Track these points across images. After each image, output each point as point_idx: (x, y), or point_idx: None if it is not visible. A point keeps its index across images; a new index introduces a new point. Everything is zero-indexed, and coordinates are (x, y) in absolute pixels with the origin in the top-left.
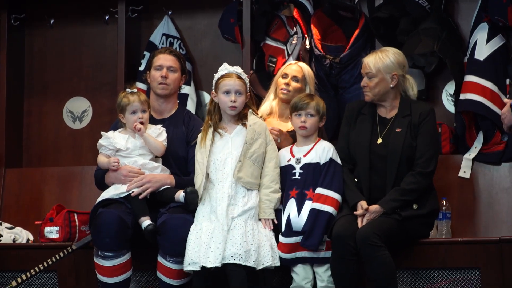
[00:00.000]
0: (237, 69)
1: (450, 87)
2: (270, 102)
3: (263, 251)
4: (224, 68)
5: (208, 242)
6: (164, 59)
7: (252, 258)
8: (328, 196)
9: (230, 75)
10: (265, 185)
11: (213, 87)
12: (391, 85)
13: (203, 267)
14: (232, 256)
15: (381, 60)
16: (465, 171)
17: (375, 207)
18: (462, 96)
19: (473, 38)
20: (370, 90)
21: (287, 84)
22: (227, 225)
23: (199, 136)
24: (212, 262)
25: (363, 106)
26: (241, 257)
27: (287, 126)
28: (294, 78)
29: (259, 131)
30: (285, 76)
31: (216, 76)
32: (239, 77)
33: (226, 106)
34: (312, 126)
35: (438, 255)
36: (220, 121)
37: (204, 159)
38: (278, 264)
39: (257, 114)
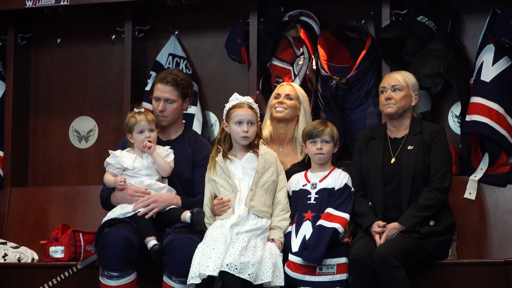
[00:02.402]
0: (248, 99)
1: (456, 109)
2: (268, 128)
3: (264, 267)
4: (235, 98)
5: (209, 253)
6: (161, 91)
7: (248, 271)
8: (336, 215)
9: (242, 105)
10: (276, 214)
11: (224, 118)
12: (413, 103)
13: (204, 280)
14: (227, 265)
15: (408, 77)
16: (470, 193)
17: (394, 224)
18: (468, 118)
19: (479, 59)
20: (396, 103)
21: (281, 103)
22: (230, 238)
23: (209, 164)
24: (211, 270)
25: (374, 131)
26: (236, 268)
27: (290, 156)
28: (288, 96)
29: (270, 160)
30: (277, 96)
31: (227, 106)
32: (251, 107)
33: (238, 136)
34: (328, 153)
35: (443, 276)
36: (229, 150)
37: (228, 179)
38: (281, 284)
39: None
